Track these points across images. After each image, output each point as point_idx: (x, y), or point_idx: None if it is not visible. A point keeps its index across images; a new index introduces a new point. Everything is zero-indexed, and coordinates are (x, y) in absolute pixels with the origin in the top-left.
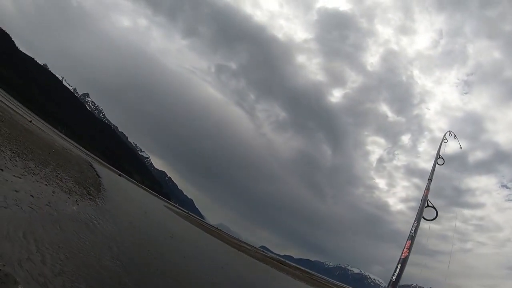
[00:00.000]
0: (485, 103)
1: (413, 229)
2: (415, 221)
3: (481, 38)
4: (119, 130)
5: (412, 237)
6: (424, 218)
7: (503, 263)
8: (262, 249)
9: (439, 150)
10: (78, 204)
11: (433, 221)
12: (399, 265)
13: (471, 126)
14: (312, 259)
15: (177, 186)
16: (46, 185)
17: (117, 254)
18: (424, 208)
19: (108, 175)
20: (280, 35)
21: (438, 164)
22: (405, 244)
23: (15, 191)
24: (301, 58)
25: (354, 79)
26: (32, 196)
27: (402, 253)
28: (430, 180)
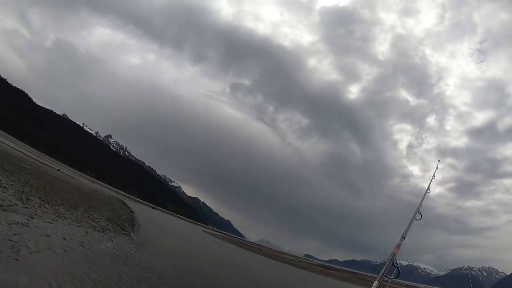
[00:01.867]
0: (504, 67)
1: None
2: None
3: (485, 3)
4: (146, 164)
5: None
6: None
7: None
8: (306, 258)
9: (419, 205)
10: (112, 241)
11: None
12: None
13: (495, 93)
14: (358, 259)
15: (212, 209)
16: (78, 226)
17: (157, 284)
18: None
19: (142, 210)
20: (286, 43)
21: (416, 219)
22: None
23: (47, 235)
24: (312, 62)
25: (368, 72)
26: (64, 238)
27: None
28: (403, 237)
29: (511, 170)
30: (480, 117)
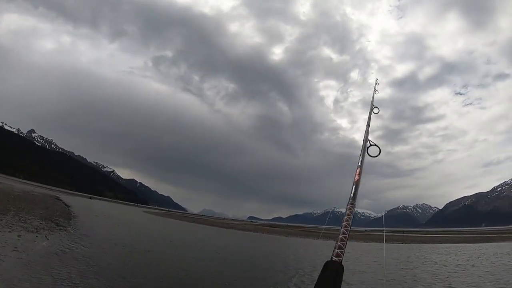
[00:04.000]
0: (422, 22)
1: (359, 161)
2: (360, 155)
3: None
4: (75, 154)
5: (360, 166)
6: (369, 155)
7: (477, 162)
8: (250, 220)
9: (372, 99)
10: (48, 239)
11: (377, 157)
12: (354, 187)
13: (414, 46)
14: (301, 212)
15: (150, 188)
16: (9, 231)
17: (99, 272)
18: (367, 148)
19: (78, 202)
20: (207, 9)
21: (374, 113)
22: (356, 171)
23: None
24: (234, 26)
25: (290, 32)
26: None
27: (354, 178)
28: (368, 125)
29: (433, 115)
30: (401, 69)
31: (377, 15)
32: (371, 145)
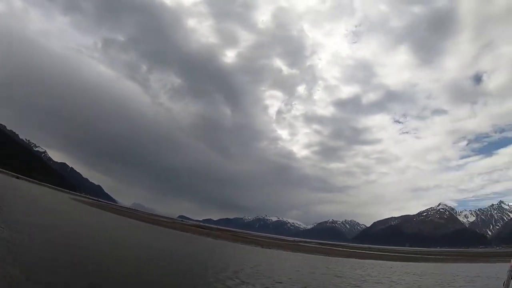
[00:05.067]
0: (374, 50)
1: None
2: None
3: None
4: (7, 129)
5: None
6: None
7: (406, 187)
8: (180, 219)
9: None
10: None
11: None
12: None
13: (363, 71)
14: (231, 217)
15: (81, 175)
16: None
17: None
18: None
19: (3, 180)
20: (168, 0)
21: None
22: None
23: None
24: (191, 22)
25: (246, 38)
26: None
27: (510, 266)
28: None
29: (371, 138)
30: (347, 91)
31: (332, 36)
32: None
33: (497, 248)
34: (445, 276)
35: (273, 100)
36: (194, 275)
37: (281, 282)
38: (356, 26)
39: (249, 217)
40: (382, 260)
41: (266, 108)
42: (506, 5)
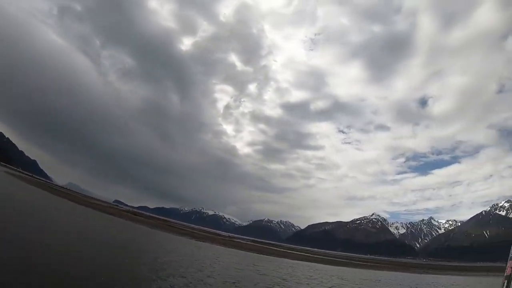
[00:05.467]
0: (328, 60)
1: None
2: None
3: (333, 5)
4: None
5: None
6: None
7: (342, 194)
8: (116, 204)
9: None
10: None
11: None
12: (505, 281)
13: (314, 79)
14: (168, 206)
15: (17, 147)
16: None
17: None
18: None
19: None
20: None
21: None
22: (508, 264)
23: None
24: (153, 3)
25: (205, 28)
26: None
27: (506, 271)
28: None
29: (313, 144)
30: (297, 95)
31: (291, 41)
32: None
33: (424, 260)
34: (367, 282)
35: (222, 95)
36: (124, 263)
37: (210, 277)
38: (315, 34)
39: (186, 209)
40: (312, 262)
41: (215, 101)
42: (461, 40)
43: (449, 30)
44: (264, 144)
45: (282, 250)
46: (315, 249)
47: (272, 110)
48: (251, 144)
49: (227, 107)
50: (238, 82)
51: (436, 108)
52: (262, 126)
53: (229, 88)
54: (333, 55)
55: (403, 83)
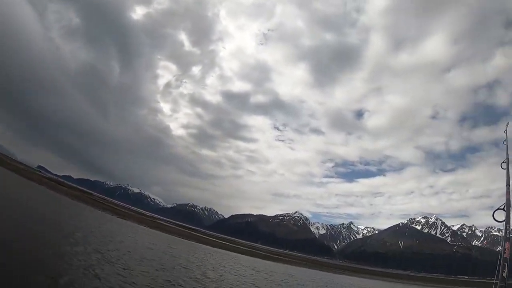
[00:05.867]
0: (276, 58)
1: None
2: (507, 224)
3: (291, 4)
4: None
5: (509, 238)
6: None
7: (269, 189)
8: (39, 169)
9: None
10: None
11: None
12: (505, 264)
13: (259, 73)
14: (92, 179)
15: None
16: None
17: None
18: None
19: None
20: None
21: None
22: (505, 246)
23: None
24: None
25: (161, 1)
26: None
27: (504, 253)
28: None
29: (247, 136)
30: (239, 86)
31: (244, 31)
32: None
33: (340, 261)
34: (279, 275)
35: (165, 72)
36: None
37: (126, 254)
38: (269, 30)
39: (111, 183)
40: (231, 251)
41: (156, 77)
42: (406, 64)
43: (397, 52)
44: (198, 128)
45: (204, 236)
46: (237, 239)
47: (212, 96)
48: (185, 126)
49: (167, 85)
50: (183, 62)
51: (371, 122)
52: (199, 110)
53: (172, 66)
54: (282, 54)
55: (344, 93)
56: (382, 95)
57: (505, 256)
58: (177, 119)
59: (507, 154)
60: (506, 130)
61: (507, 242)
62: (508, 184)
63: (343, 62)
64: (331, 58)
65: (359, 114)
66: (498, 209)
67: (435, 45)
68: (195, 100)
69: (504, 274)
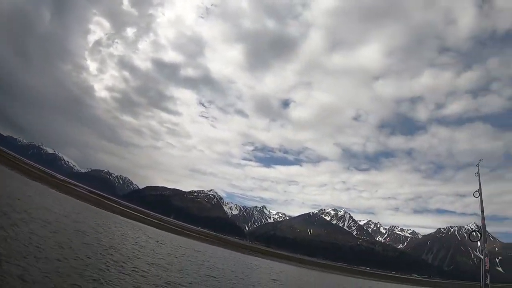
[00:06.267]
0: (214, 34)
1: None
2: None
3: None
4: None
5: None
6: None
7: (187, 164)
8: None
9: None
10: None
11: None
12: (487, 274)
13: (194, 46)
14: (5, 133)
15: None
16: None
17: None
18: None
19: None
20: None
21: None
22: (485, 260)
23: None
24: None
25: None
26: None
27: (485, 266)
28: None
29: (172, 108)
30: (171, 56)
31: (186, 1)
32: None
33: (250, 243)
34: (185, 250)
35: (98, 28)
36: None
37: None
38: (212, 5)
39: (24, 141)
40: (143, 223)
41: (87, 32)
42: (339, 65)
43: (332, 53)
44: (123, 93)
45: (115, 205)
46: (149, 212)
47: (142, 62)
48: (110, 89)
49: (97, 42)
50: (118, 21)
51: (296, 113)
52: (126, 74)
53: (106, 24)
54: (220, 31)
55: (274, 81)
56: (310, 89)
57: (486, 268)
58: (102, 80)
59: (480, 184)
60: (478, 164)
61: (487, 258)
62: (482, 211)
63: (279, 51)
64: (268, 45)
65: (286, 103)
66: (474, 231)
67: (370, 53)
68: (124, 63)
69: (488, 281)
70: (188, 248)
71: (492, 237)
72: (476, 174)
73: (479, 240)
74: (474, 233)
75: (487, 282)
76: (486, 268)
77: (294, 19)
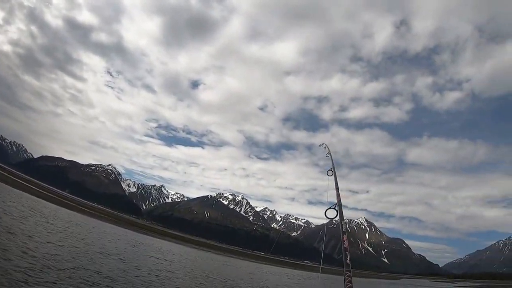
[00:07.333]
0: (134, 3)
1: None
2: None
3: None
4: None
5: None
6: (328, 217)
7: (87, 136)
8: None
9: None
10: None
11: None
12: (346, 253)
13: (111, 11)
14: None
15: None
16: None
17: None
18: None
19: None
20: None
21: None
22: (343, 238)
23: None
24: None
25: None
26: None
27: (344, 244)
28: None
29: (77, 73)
30: (86, 16)
31: None
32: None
33: (147, 222)
34: (77, 228)
35: None
36: None
37: None
38: None
39: None
40: (37, 197)
41: None
42: (253, 54)
43: (250, 42)
44: (28, 49)
45: (11, 177)
46: (42, 184)
47: (54, 19)
48: (14, 43)
49: None
50: None
51: (204, 95)
52: (34, 29)
53: None
54: (141, 2)
55: (187, 61)
56: (223, 74)
57: (345, 246)
58: (6, 32)
59: (333, 164)
60: (326, 146)
61: (345, 235)
62: (337, 188)
63: (198, 31)
64: (188, 22)
65: (195, 84)
66: (330, 208)
67: (286, 49)
68: (33, 17)
69: (348, 261)
70: (81, 226)
71: (380, 231)
72: (327, 155)
73: (334, 219)
74: (331, 210)
75: (348, 261)
76: (345, 246)
77: (219, 2)
